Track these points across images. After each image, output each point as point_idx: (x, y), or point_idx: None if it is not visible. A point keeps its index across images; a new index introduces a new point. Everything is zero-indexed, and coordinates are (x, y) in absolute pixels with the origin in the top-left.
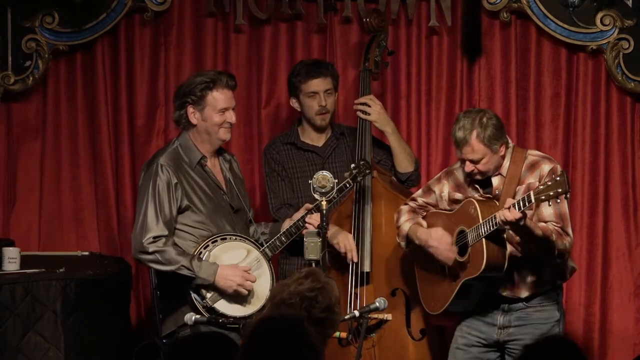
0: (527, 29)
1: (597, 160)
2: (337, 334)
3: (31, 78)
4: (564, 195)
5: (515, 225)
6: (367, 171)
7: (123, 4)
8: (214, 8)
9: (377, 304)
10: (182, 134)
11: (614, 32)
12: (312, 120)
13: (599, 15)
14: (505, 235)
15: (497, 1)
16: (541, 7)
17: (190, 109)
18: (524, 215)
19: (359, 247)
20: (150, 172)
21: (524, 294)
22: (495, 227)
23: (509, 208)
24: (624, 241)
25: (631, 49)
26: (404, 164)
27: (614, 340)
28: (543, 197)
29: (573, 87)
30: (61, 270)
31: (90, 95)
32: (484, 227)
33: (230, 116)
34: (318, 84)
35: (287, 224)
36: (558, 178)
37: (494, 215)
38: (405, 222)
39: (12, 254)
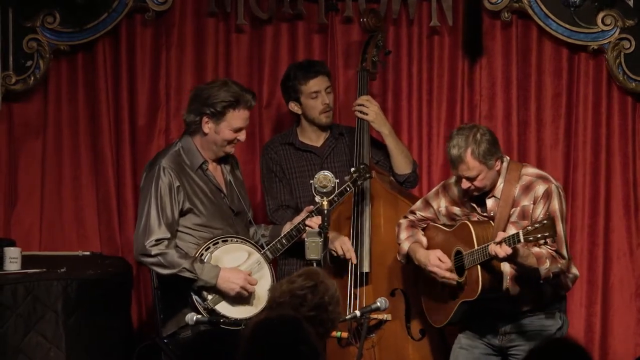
0: (528, 28)
1: (598, 160)
2: (338, 333)
3: (32, 78)
4: (551, 239)
5: (507, 259)
6: (367, 175)
7: (124, 3)
8: (215, 8)
9: (379, 303)
10: (185, 136)
11: (615, 32)
12: (317, 120)
13: (600, 15)
14: None
15: (498, 1)
16: (542, 7)
17: (205, 119)
18: (515, 250)
19: (358, 247)
20: (152, 174)
21: (525, 308)
22: (488, 257)
23: (500, 243)
24: (625, 241)
25: (632, 48)
26: (401, 166)
27: (615, 340)
28: (531, 239)
29: (574, 87)
30: (62, 270)
31: (91, 95)
32: (478, 254)
33: (242, 135)
34: (319, 83)
35: (287, 227)
36: (545, 222)
37: (487, 246)
38: (405, 241)
39: (13, 253)
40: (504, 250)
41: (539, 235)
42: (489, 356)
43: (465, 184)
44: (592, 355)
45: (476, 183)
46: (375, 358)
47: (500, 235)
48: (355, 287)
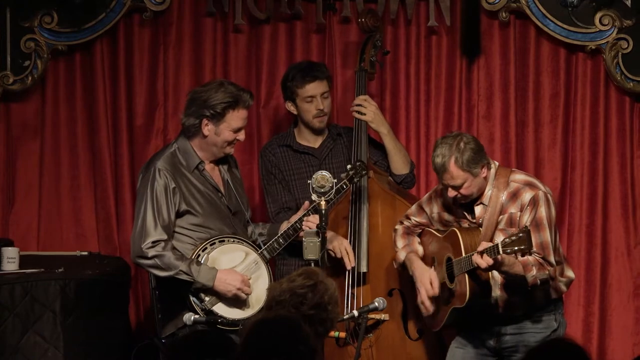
0: (526, 28)
1: (596, 160)
2: (336, 333)
3: (30, 78)
4: (527, 252)
5: (490, 269)
6: (364, 172)
7: (122, 3)
8: (213, 8)
9: (376, 303)
10: (182, 137)
11: (612, 31)
12: (310, 124)
13: (598, 15)
14: None
15: (496, 1)
16: (540, 7)
17: (205, 122)
18: (497, 260)
19: (356, 247)
20: (148, 176)
21: (518, 312)
22: (472, 267)
23: (482, 254)
24: (623, 241)
25: (630, 48)
26: (398, 166)
27: (613, 340)
28: (509, 251)
29: (572, 87)
30: (60, 270)
31: (89, 95)
32: (464, 263)
33: (242, 135)
34: (315, 88)
35: (285, 226)
36: (521, 235)
37: (472, 255)
38: (402, 250)
39: (11, 253)
40: (485, 261)
41: (516, 248)
42: (486, 357)
43: (451, 193)
44: (590, 355)
45: (462, 191)
46: (373, 358)
47: (483, 246)
48: (353, 286)
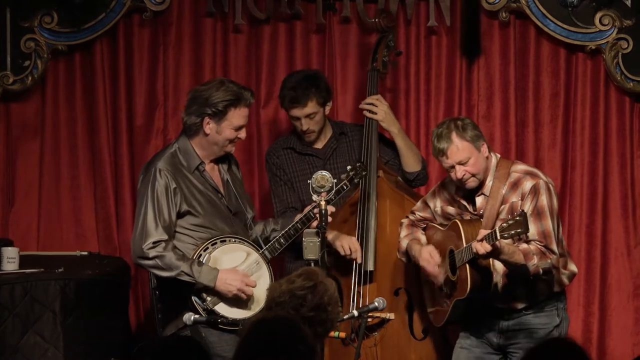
0: (526, 28)
1: (596, 160)
2: (335, 334)
3: (30, 78)
4: (524, 235)
5: (489, 256)
6: (364, 173)
7: (122, 3)
8: (213, 8)
9: (376, 303)
10: (182, 137)
11: (612, 32)
12: (301, 135)
13: (598, 15)
14: None
15: (496, 1)
16: (540, 7)
17: (207, 120)
18: (496, 247)
19: (363, 246)
20: (149, 177)
21: (520, 305)
22: (473, 255)
23: (481, 241)
24: (622, 241)
25: (630, 48)
26: (410, 164)
27: (612, 340)
28: (506, 235)
29: (572, 87)
30: (60, 270)
31: (89, 95)
32: (465, 253)
33: (243, 133)
34: (299, 112)
35: (298, 218)
36: (518, 218)
37: (472, 244)
38: (404, 239)
39: (11, 253)
40: (483, 248)
41: (513, 232)
42: (490, 355)
43: (460, 171)
44: (590, 355)
45: (469, 168)
46: (377, 357)
47: (481, 233)
48: (359, 285)
